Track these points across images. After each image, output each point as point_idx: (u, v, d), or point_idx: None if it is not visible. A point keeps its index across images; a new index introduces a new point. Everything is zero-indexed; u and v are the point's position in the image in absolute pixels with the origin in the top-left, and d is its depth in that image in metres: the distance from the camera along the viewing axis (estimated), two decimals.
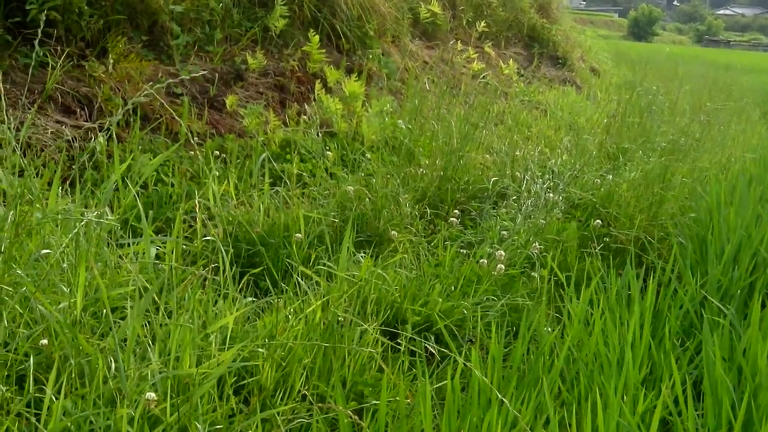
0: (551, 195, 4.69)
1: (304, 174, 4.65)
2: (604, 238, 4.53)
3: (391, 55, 7.51)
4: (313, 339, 2.55)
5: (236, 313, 2.41)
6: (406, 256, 3.57)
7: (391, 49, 7.60)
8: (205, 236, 3.40)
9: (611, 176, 5.12)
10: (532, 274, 3.84)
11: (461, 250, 3.87)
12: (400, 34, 7.86)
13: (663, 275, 3.66)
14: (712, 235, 4.04)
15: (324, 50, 6.53)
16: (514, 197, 4.82)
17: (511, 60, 9.36)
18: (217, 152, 4.71)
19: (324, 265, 3.37)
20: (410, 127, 5.04)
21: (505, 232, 4.28)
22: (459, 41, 8.61)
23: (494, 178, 4.92)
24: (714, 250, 3.75)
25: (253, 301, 2.86)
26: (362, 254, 3.42)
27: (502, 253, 3.72)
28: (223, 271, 2.68)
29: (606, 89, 11.16)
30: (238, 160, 4.63)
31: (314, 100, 6.07)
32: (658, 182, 4.90)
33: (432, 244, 4.04)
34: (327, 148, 5.22)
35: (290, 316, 2.67)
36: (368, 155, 5.13)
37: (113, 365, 2.10)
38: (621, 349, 2.70)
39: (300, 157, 5.00)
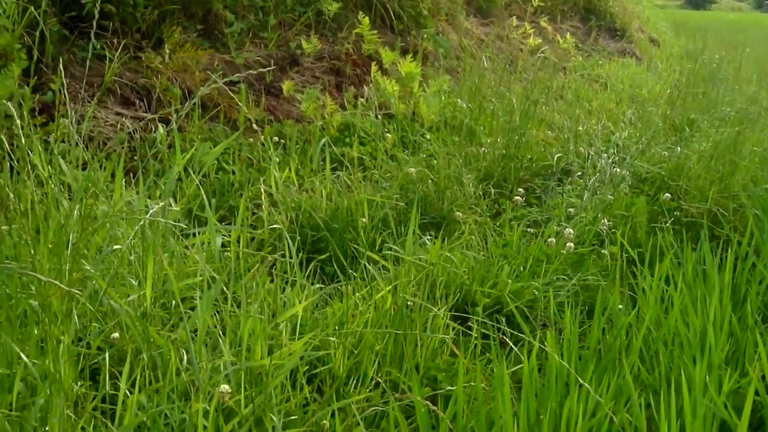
0: (617, 170, 4.56)
1: (364, 157, 4.59)
2: (675, 212, 4.40)
3: (446, 34, 7.40)
4: (383, 325, 2.50)
5: (305, 302, 2.37)
6: (473, 237, 3.49)
7: (446, 28, 7.49)
8: (270, 224, 3.37)
9: (679, 148, 4.96)
10: (602, 251, 3.74)
11: (528, 230, 3.78)
12: (454, 12, 7.75)
13: (739, 249, 3.53)
14: None
15: (377, 31, 6.47)
16: (579, 173, 4.71)
17: (568, 34, 9.17)
18: (276, 138, 4.69)
19: (390, 249, 3.32)
20: (470, 106, 4.94)
21: (571, 210, 4.17)
22: (514, 17, 8.46)
23: (558, 155, 4.80)
24: None
25: (321, 288, 2.81)
26: (428, 237, 3.35)
27: (571, 231, 3.63)
28: (290, 257, 2.64)
29: (667, 59, 10.89)
30: (297, 146, 4.60)
31: (370, 82, 6.01)
32: (728, 152, 4.74)
33: (498, 224, 3.96)
34: (386, 130, 5.16)
35: (359, 303, 2.62)
36: (428, 136, 5.06)
37: (185, 357, 2.08)
38: (702, 328, 2.60)
39: (359, 140, 4.95)
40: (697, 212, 4.47)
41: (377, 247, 3.44)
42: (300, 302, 2.45)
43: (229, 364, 2.04)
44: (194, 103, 4.62)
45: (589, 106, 7.10)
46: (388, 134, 5.00)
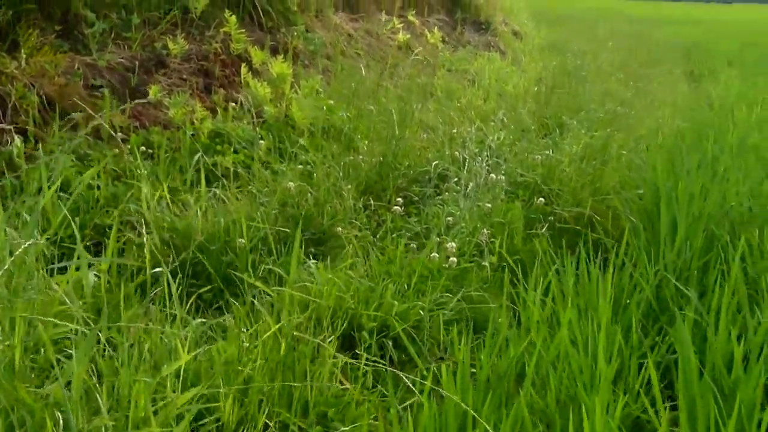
0: (493, 175, 4.58)
1: (238, 167, 4.44)
2: (549, 217, 4.46)
3: (315, 31, 7.29)
4: (271, 363, 2.39)
5: (190, 354, 2.23)
6: (357, 258, 3.42)
7: (316, 24, 7.38)
8: (142, 247, 3.20)
9: (551, 151, 5.04)
10: (483, 263, 3.73)
11: (411, 243, 3.74)
12: (323, 7, 7.64)
13: (616, 257, 3.59)
14: (660, 212, 4.00)
15: (246, 30, 6.29)
16: (456, 179, 4.70)
17: (435, 28, 9.21)
18: (144, 148, 4.47)
19: (270, 272, 3.22)
20: (348, 115, 4.86)
21: (450, 218, 4.16)
22: (383, 11, 8.43)
23: (435, 162, 4.79)
24: (665, 229, 3.70)
25: (204, 322, 2.67)
26: (311, 257, 3.25)
27: (453, 245, 3.61)
28: (169, 291, 2.51)
29: (530, 53, 11.11)
30: (167, 155, 4.40)
31: (241, 84, 5.84)
32: (599, 155, 4.85)
33: (378, 236, 3.91)
34: (259, 136, 5.02)
35: (245, 340, 2.50)
36: (302, 142, 4.95)
37: (61, 419, 1.92)
38: (593, 349, 2.61)
39: (232, 148, 4.79)
40: (570, 216, 4.54)
41: (257, 271, 3.32)
42: (183, 344, 2.31)
43: (110, 427, 1.90)
44: (52, 110, 4.37)
45: (458, 104, 7.14)
46: (261, 141, 4.86)
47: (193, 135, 4.72)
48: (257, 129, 5.13)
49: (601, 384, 2.40)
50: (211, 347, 2.46)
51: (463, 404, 2.12)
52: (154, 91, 5.09)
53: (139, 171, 4.07)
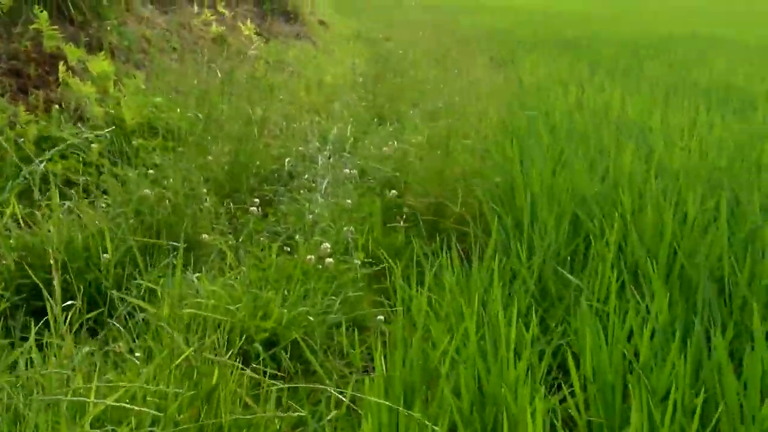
0: (347, 170, 4.51)
1: (70, 174, 4.12)
2: (404, 209, 4.46)
3: (127, 25, 6.89)
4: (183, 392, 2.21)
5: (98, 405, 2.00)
6: (225, 265, 3.25)
7: (128, 18, 6.98)
8: None
9: (395, 143, 5.03)
10: (353, 260, 3.66)
11: (284, 247, 3.60)
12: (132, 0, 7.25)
13: (477, 246, 3.63)
14: (516, 199, 4.09)
15: (57, 26, 5.84)
16: (306, 176, 4.60)
17: (248, 20, 9.00)
18: None
19: (139, 287, 3.00)
20: (199, 115, 4.61)
21: (310, 216, 4.06)
22: (194, 3, 8.13)
23: (286, 159, 4.66)
24: (526, 217, 3.77)
25: (92, 354, 2.42)
26: (195, 273, 3.05)
27: (328, 245, 3.51)
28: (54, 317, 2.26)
29: (338, 42, 11.11)
30: None
31: (59, 83, 5.42)
32: (442, 145, 4.89)
33: (240, 240, 3.74)
34: (88, 139, 4.67)
35: (143, 369, 2.29)
36: (133, 143, 4.67)
37: None
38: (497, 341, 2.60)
39: (59, 153, 4.43)
40: (422, 207, 4.56)
41: (123, 286, 3.08)
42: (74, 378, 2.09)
43: None
44: None
45: (282, 97, 7.00)
46: (93, 144, 4.53)
47: (16, 142, 4.32)
48: (86, 131, 4.78)
49: (520, 378, 2.40)
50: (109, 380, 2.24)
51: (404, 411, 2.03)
52: None
53: None
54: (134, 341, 2.66)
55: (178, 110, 4.83)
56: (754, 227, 3.56)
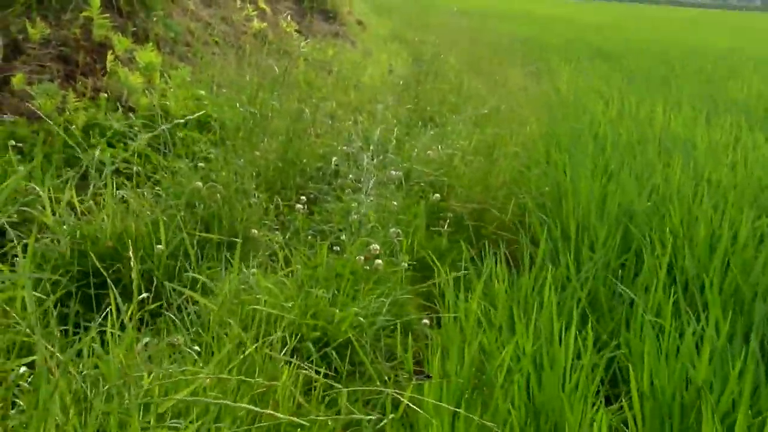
0: (393, 172, 4.51)
1: (120, 164, 4.14)
2: (446, 213, 4.45)
3: (173, 17, 6.93)
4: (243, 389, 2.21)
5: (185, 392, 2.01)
6: (277, 260, 3.25)
7: (174, 10, 7.02)
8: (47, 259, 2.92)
9: (440, 147, 5.02)
10: (400, 262, 3.65)
11: (335, 248, 3.60)
12: None
13: (533, 260, 3.62)
14: (566, 210, 4.07)
15: (107, 15, 5.88)
16: (351, 175, 4.60)
17: (289, 17, 9.02)
18: (13, 142, 4.08)
19: (193, 280, 3.01)
20: (252, 111, 4.62)
21: (355, 216, 4.06)
22: None
23: (332, 158, 4.66)
24: (573, 226, 3.76)
25: (151, 344, 2.43)
26: (252, 270, 3.05)
27: (377, 246, 3.51)
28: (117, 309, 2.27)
29: (377, 43, 11.12)
30: (35, 148, 4.02)
31: (106, 72, 5.46)
32: (488, 151, 4.88)
33: (287, 237, 3.75)
34: (136, 129, 4.70)
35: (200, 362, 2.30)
36: (181, 135, 4.69)
37: None
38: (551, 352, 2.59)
39: (107, 141, 4.46)
40: (466, 212, 4.55)
41: (175, 278, 3.09)
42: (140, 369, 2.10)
43: None
44: None
45: (320, 94, 7.01)
46: (141, 134, 4.55)
47: (66, 129, 4.35)
48: (134, 120, 4.81)
49: (576, 390, 2.39)
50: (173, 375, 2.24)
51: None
52: (18, 80, 4.66)
53: (11, 168, 3.74)
54: (188, 333, 2.67)
55: (227, 105, 4.84)
56: None
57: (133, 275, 2.01)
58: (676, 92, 8.45)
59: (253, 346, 2.28)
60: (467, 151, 4.89)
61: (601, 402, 2.54)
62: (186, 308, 2.85)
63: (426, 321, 3.30)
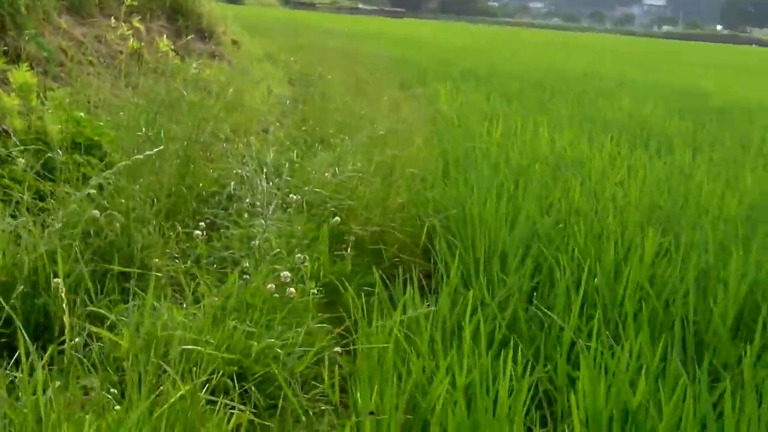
0: (293, 195, 4.39)
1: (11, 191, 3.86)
2: (347, 237, 4.36)
3: (45, 36, 6.57)
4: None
5: None
6: (173, 294, 3.07)
7: (45, 29, 6.66)
8: None
9: (336, 169, 4.92)
10: (307, 288, 3.53)
11: (244, 276, 3.43)
12: (49, 9, 6.92)
13: (445, 281, 3.58)
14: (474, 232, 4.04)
15: None
16: (248, 199, 4.44)
17: (165, 36, 8.73)
18: None
19: (94, 314, 2.80)
20: (149, 134, 4.38)
21: (255, 242, 3.91)
22: (111, 17, 7.83)
23: (230, 181, 4.49)
24: (481, 250, 3.74)
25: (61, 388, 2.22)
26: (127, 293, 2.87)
27: (287, 274, 3.38)
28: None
29: (252, 62, 10.94)
30: None
31: None
32: (387, 173, 4.82)
33: (188, 265, 3.56)
34: (10, 152, 4.39)
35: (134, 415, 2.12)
36: (63, 158, 4.42)
37: None
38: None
39: None
40: (366, 235, 4.47)
41: (75, 313, 2.87)
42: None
43: None
44: None
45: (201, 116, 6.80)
46: (20, 159, 4.26)
47: None
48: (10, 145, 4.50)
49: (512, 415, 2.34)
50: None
51: None
52: None
53: None
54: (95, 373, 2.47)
55: (116, 127, 4.60)
56: (706, 267, 3.62)
57: (65, 319, 1.82)
58: (556, 113, 8.65)
59: (185, 388, 2.11)
60: (366, 173, 4.81)
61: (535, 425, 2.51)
62: (89, 346, 2.65)
63: (338, 349, 3.20)
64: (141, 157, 3.32)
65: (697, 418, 2.29)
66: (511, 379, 2.49)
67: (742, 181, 5.47)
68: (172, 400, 2.07)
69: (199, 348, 2.49)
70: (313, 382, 2.92)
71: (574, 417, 2.32)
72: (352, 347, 3.17)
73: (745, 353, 2.69)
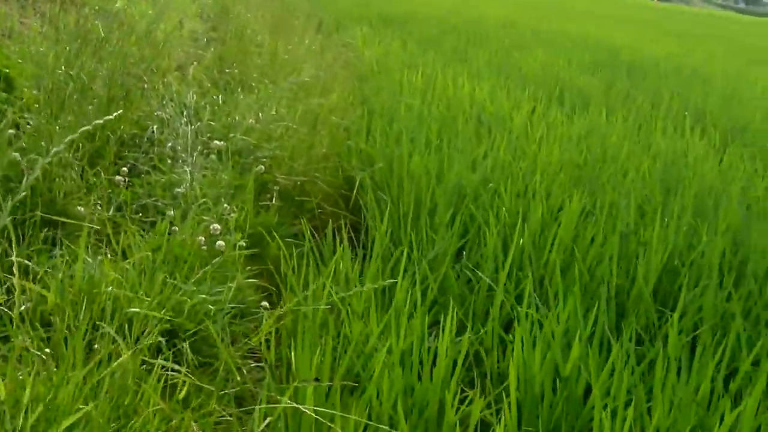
0: (217, 141, 4.28)
1: None
2: (271, 186, 4.31)
3: None
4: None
5: None
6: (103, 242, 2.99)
7: None
8: None
9: (260, 114, 4.83)
10: (235, 240, 3.47)
11: (172, 227, 3.34)
12: None
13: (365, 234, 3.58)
14: (395, 184, 4.04)
15: None
16: (170, 144, 4.31)
17: None
18: None
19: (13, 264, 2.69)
20: (71, 72, 4.16)
21: (179, 190, 3.82)
22: None
23: (150, 124, 4.35)
24: (415, 206, 3.74)
25: None
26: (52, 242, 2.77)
27: (217, 226, 3.31)
28: None
29: None
30: None
31: None
32: (313, 122, 4.76)
33: (110, 215, 3.45)
34: None
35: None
36: None
37: None
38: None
39: None
40: (290, 185, 4.42)
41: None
42: None
43: None
44: None
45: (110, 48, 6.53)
46: None
47: None
48: None
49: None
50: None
51: None
52: None
53: None
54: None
55: (32, 62, 4.38)
56: (627, 231, 3.71)
57: None
58: (474, 63, 8.66)
59: (127, 354, 2.05)
60: (291, 121, 4.73)
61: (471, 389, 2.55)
62: (11, 300, 2.55)
63: (265, 304, 3.17)
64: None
65: (625, 385, 2.37)
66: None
67: (655, 141, 5.61)
68: (114, 364, 2.01)
69: (135, 309, 2.41)
70: (245, 340, 2.89)
71: (512, 383, 2.35)
72: (282, 308, 3.14)
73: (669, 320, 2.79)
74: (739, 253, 3.61)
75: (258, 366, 2.88)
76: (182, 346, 2.65)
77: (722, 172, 4.86)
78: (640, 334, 2.98)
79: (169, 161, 4.14)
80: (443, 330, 2.47)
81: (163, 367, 2.37)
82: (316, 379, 2.18)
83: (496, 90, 6.79)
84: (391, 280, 2.88)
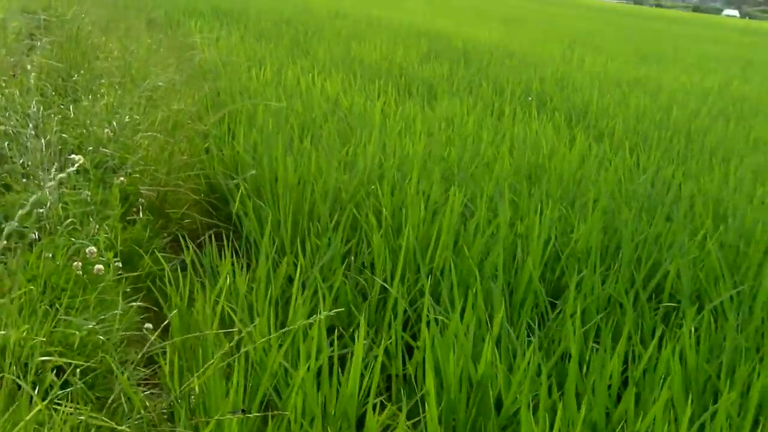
0: (74, 156, 4.04)
1: None
2: (134, 198, 4.13)
3: None
4: None
5: None
6: None
7: None
8: None
9: (114, 122, 4.59)
10: (108, 261, 3.29)
11: (44, 254, 3.12)
12: None
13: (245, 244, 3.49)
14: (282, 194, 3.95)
15: None
16: (21, 160, 4.04)
17: None
18: None
19: None
20: None
21: (41, 210, 3.58)
22: None
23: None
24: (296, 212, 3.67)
25: None
26: None
27: (93, 249, 3.13)
28: None
29: None
30: None
31: None
32: (172, 128, 4.59)
33: None
34: None
35: None
36: None
37: None
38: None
39: None
40: (153, 197, 4.26)
41: None
42: None
43: None
44: None
45: None
46: None
47: None
48: None
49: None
50: None
51: None
52: None
53: None
54: None
55: None
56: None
57: None
58: (316, 57, 8.59)
59: (41, 405, 1.90)
60: (148, 128, 4.53)
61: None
62: None
63: (149, 325, 3.03)
64: None
65: (534, 385, 2.41)
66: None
67: (509, 128, 5.74)
68: (27, 417, 1.85)
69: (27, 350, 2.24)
70: (136, 368, 2.75)
71: (430, 388, 2.33)
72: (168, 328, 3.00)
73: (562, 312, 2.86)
74: (613, 238, 3.75)
75: (152, 393, 2.77)
76: (77, 383, 2.49)
77: (579, 156, 5.01)
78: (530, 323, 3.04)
79: (23, 179, 3.89)
80: (354, 340, 2.43)
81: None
82: (243, 411, 2.09)
83: (346, 84, 6.77)
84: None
